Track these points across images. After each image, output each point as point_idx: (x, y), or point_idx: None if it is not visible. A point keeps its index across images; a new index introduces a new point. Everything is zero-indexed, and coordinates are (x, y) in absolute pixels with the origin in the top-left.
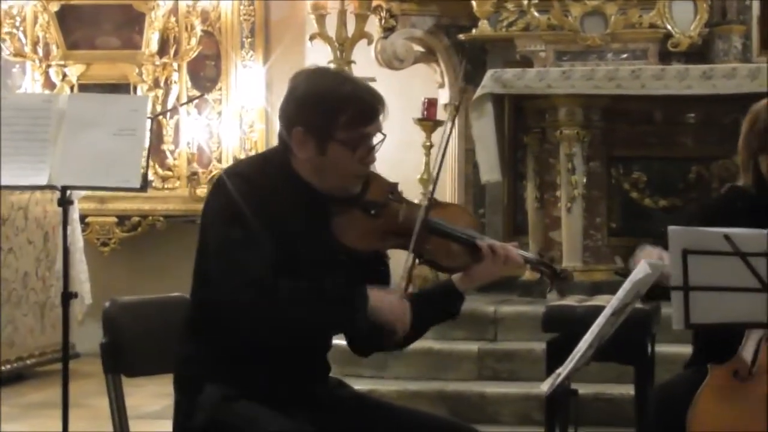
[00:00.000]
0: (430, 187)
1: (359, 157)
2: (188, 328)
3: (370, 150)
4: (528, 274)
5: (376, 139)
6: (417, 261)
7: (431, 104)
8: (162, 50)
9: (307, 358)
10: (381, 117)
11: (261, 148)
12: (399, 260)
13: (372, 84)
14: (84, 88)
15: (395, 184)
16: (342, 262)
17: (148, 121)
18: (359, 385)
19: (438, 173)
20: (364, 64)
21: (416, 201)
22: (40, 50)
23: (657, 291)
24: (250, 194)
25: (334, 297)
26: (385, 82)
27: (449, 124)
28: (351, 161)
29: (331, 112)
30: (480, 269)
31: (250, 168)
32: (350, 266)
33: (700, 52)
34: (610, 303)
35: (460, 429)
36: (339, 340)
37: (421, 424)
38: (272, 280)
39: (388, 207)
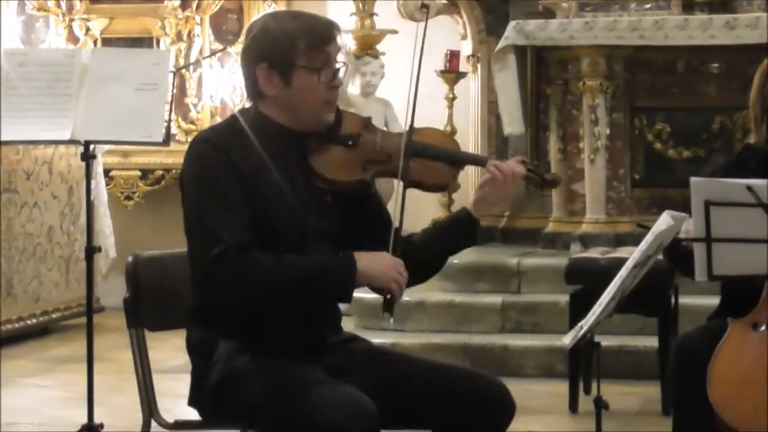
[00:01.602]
0: (409, 113)
1: (325, 81)
2: (192, 286)
3: (335, 73)
4: (551, 227)
5: (339, 64)
6: (405, 186)
7: (454, 56)
8: (184, 4)
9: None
10: (338, 39)
11: None
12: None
13: (394, 36)
14: (107, 42)
15: (369, 118)
16: (329, 204)
17: (171, 75)
18: (382, 339)
19: (415, 101)
20: (386, 17)
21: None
22: (63, 4)
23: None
24: (218, 158)
25: (319, 269)
26: (407, 35)
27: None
28: (317, 87)
29: (289, 41)
30: (491, 190)
31: (216, 132)
32: (338, 208)
33: (723, 2)
34: (632, 255)
35: (481, 378)
36: (359, 294)
37: (441, 374)
38: (251, 245)
39: (365, 136)
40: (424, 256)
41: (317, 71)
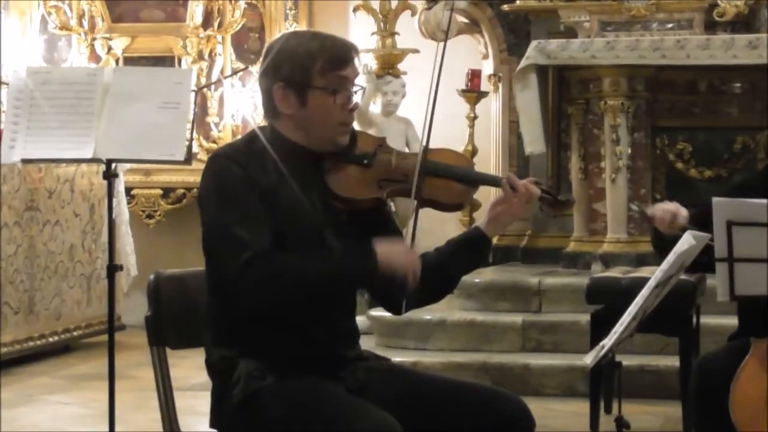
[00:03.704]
0: (425, 134)
1: (340, 103)
2: (210, 309)
3: (350, 95)
4: (572, 246)
5: (355, 88)
6: (418, 205)
7: (475, 75)
8: (206, 23)
9: (331, 322)
10: (356, 61)
11: None
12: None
13: (415, 55)
14: (129, 60)
15: (383, 138)
16: (344, 223)
17: (193, 94)
18: (403, 357)
19: (431, 119)
20: (407, 36)
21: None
22: (85, 23)
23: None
24: (236, 174)
25: (340, 255)
26: (428, 54)
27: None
28: (333, 108)
29: (307, 61)
30: (504, 209)
31: (233, 148)
32: (353, 226)
33: (746, 22)
34: (654, 274)
35: (502, 396)
36: (379, 312)
37: (462, 392)
38: (274, 250)
39: (380, 156)
40: (436, 274)
41: (333, 93)
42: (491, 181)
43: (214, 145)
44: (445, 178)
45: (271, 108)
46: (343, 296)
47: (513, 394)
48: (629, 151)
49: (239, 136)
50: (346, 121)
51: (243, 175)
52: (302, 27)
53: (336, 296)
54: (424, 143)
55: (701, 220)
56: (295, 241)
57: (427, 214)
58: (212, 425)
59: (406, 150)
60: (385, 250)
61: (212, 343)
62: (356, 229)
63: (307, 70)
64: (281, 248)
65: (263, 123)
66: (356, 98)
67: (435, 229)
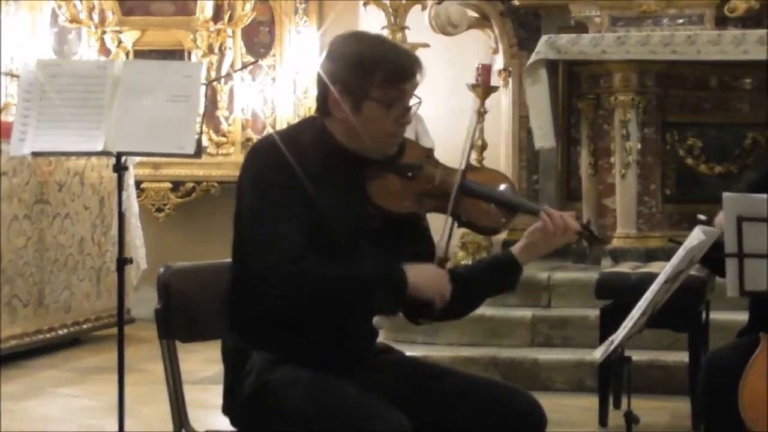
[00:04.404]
0: (466, 152)
1: (394, 117)
2: (231, 297)
3: (406, 110)
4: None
5: (413, 100)
6: (455, 224)
7: (485, 70)
8: (216, 16)
9: (351, 322)
10: (417, 77)
11: None
12: (437, 227)
13: (425, 50)
14: (139, 54)
15: (431, 149)
16: (378, 233)
17: (203, 87)
18: (412, 351)
19: (473, 139)
20: (417, 30)
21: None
22: (95, 16)
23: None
24: (280, 165)
25: (371, 277)
26: (438, 48)
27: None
28: (386, 120)
29: (368, 70)
30: (540, 239)
31: (282, 138)
32: (386, 236)
33: (757, 17)
34: (663, 270)
35: (513, 391)
36: None
37: (473, 387)
38: (307, 253)
39: (425, 169)
40: (462, 293)
41: (389, 106)
42: (529, 209)
43: (224, 139)
44: (485, 201)
45: (323, 106)
46: (368, 309)
47: (525, 390)
48: (639, 146)
49: (249, 131)
50: (397, 134)
51: (286, 167)
52: (313, 21)
53: (356, 311)
54: (464, 163)
55: None
56: (326, 239)
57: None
58: (224, 411)
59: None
60: (417, 274)
61: (228, 330)
62: (390, 237)
63: (367, 79)
64: (312, 242)
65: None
66: (412, 112)
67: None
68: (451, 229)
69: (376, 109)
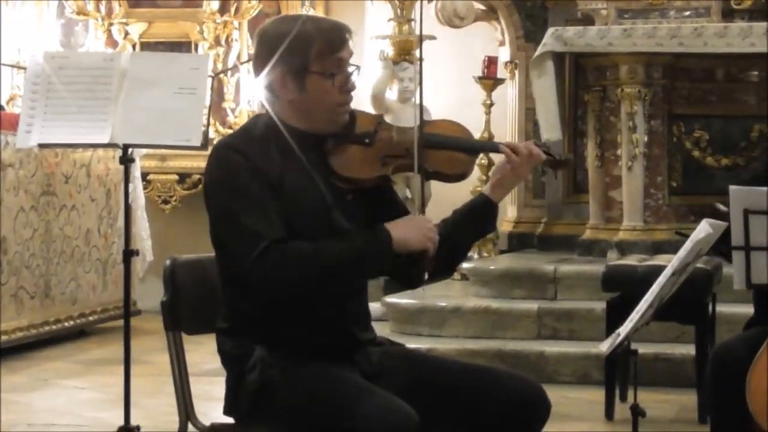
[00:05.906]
0: (419, 107)
1: (338, 86)
2: (223, 300)
3: (347, 77)
4: (588, 234)
5: (351, 68)
6: (424, 178)
7: (492, 62)
8: (223, 8)
9: (341, 303)
10: (350, 43)
11: None
12: None
13: (432, 42)
14: (146, 46)
15: (381, 115)
16: (350, 203)
17: (209, 80)
18: (417, 344)
19: (421, 97)
20: (424, 22)
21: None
22: (102, 8)
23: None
24: (240, 163)
25: (355, 244)
26: (445, 40)
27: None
28: (331, 91)
29: (303, 46)
30: (508, 173)
31: (236, 138)
32: (359, 208)
33: (763, 10)
34: (670, 262)
35: (516, 378)
36: (395, 299)
37: (476, 375)
38: (286, 238)
39: (380, 133)
40: (444, 246)
41: (331, 76)
42: (490, 147)
43: (230, 131)
44: (446, 149)
45: (271, 93)
46: (361, 281)
47: (527, 377)
48: (646, 138)
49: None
50: (345, 102)
51: (247, 164)
52: (319, 12)
53: (351, 282)
54: (419, 119)
55: None
56: (303, 225)
57: (436, 187)
58: (226, 412)
59: None
60: (396, 226)
61: (225, 331)
62: (362, 209)
63: (304, 55)
64: (290, 233)
65: (261, 110)
66: (353, 78)
67: (448, 203)
68: (422, 185)
69: (319, 81)
